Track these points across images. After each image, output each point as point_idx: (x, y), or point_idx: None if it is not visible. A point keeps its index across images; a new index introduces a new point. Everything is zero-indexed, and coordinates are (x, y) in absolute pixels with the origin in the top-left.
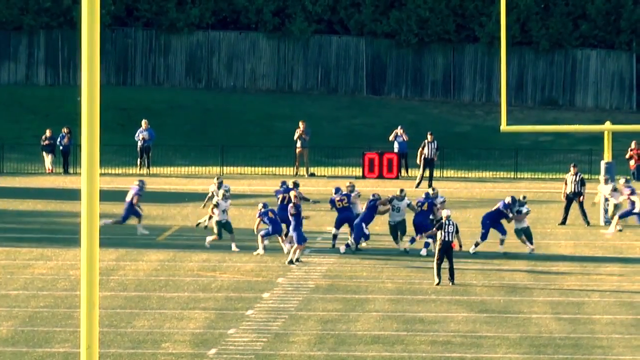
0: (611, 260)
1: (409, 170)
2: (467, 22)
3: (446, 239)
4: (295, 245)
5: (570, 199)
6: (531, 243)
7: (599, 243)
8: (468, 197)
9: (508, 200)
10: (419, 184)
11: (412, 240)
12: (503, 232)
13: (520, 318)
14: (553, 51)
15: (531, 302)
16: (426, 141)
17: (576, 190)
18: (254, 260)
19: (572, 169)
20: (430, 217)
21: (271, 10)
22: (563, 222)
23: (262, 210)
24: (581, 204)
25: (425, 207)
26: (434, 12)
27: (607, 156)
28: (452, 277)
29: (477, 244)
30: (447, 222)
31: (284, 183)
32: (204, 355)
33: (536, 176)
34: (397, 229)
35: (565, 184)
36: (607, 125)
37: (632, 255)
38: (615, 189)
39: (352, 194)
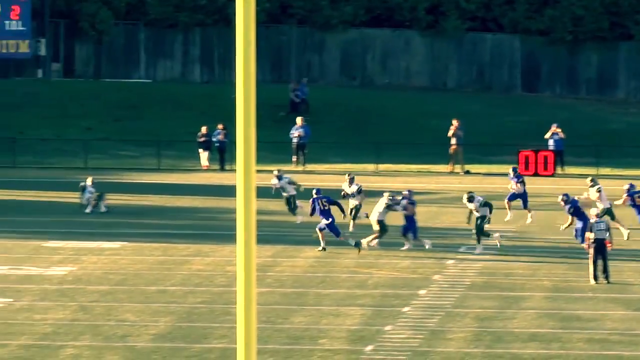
0: None
1: (565, 168)
2: (621, 20)
3: (599, 237)
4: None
5: None
6: None
7: None
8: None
9: None
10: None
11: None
12: None
13: None
14: None
15: None
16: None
17: None
18: (409, 257)
19: None
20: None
21: (425, 7)
22: None
23: (315, 196)
24: None
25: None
26: (588, 9)
27: None
28: (607, 275)
29: None
30: (598, 222)
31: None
32: (360, 352)
33: None
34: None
35: None
36: None
37: None
38: None
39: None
